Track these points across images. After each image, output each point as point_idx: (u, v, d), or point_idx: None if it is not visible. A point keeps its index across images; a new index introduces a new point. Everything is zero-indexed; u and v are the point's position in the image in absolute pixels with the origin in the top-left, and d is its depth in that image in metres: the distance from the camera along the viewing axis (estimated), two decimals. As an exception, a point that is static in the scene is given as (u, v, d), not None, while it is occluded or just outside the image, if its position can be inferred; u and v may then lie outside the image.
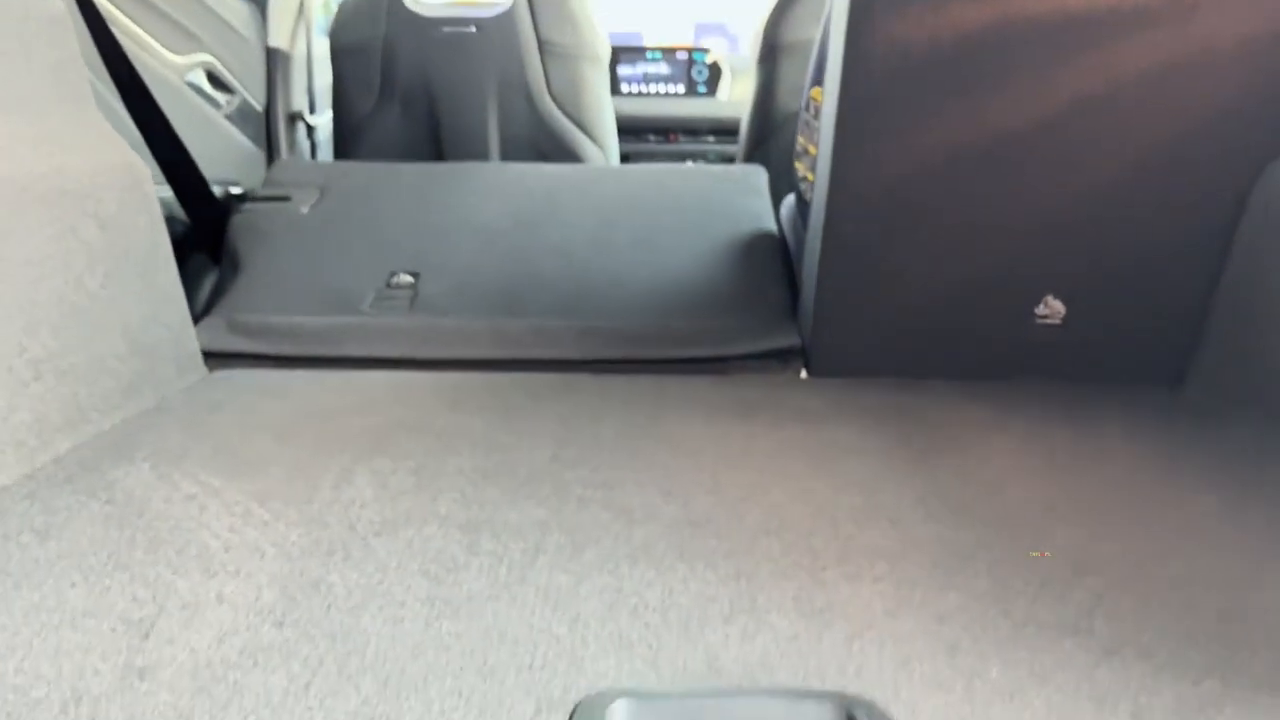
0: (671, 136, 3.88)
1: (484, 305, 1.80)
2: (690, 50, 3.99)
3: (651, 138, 3.87)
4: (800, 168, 1.85)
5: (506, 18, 2.63)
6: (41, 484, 1.10)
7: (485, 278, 1.88)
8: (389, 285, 1.87)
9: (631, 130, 3.82)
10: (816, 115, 1.69)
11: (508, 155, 2.74)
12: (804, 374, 1.64)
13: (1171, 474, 1.20)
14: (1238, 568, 0.96)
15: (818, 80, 1.70)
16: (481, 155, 2.72)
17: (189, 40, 2.32)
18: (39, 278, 1.20)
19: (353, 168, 2.35)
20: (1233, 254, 1.46)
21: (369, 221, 2.08)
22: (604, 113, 2.82)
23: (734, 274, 1.88)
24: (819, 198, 1.56)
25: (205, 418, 1.34)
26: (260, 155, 2.71)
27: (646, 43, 4.87)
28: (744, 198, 2.19)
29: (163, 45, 2.22)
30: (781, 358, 1.67)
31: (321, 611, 0.84)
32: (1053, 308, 1.55)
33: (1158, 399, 1.50)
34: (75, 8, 1.71)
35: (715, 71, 3.95)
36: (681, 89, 3.97)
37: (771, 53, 2.69)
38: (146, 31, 2.15)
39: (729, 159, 3.75)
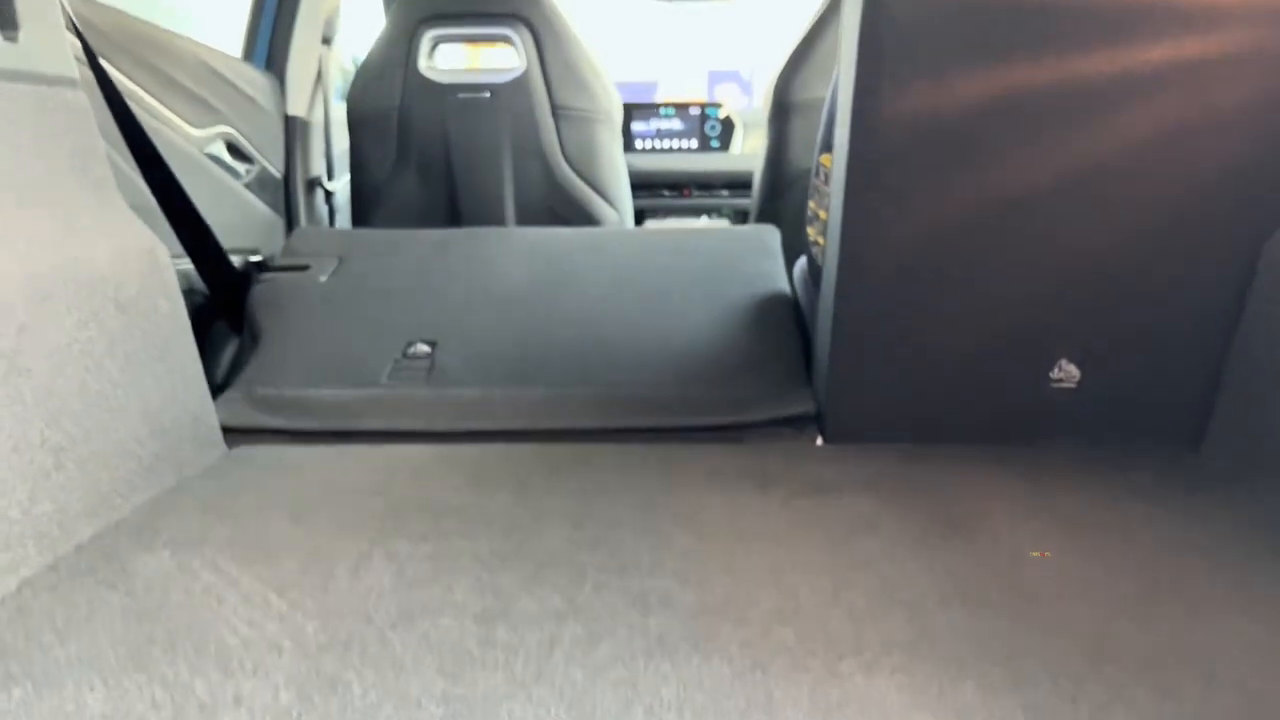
0: (685, 191, 3.90)
1: (500, 373, 1.82)
2: (703, 105, 4.02)
3: (666, 193, 3.90)
4: (811, 232, 1.86)
5: (520, 83, 2.67)
6: (64, 576, 1.11)
7: (501, 345, 1.90)
8: (405, 355, 1.88)
9: (646, 185, 3.85)
10: (826, 181, 1.70)
11: (523, 217, 2.76)
12: (819, 440, 1.64)
13: (1189, 550, 1.19)
14: (1258, 655, 0.95)
15: (827, 146, 1.72)
16: (498, 218, 2.75)
17: (209, 113, 2.37)
18: (61, 366, 1.22)
19: (370, 235, 2.38)
20: (1245, 316, 1.46)
21: (386, 289, 2.10)
22: (618, 173, 2.85)
23: (748, 338, 1.88)
24: (830, 265, 1.57)
25: (224, 500, 1.35)
26: (279, 221, 2.74)
27: (661, 92, 4.93)
28: (757, 259, 2.20)
29: (183, 119, 2.26)
30: (797, 424, 1.67)
31: (339, 713, 0.84)
32: (1067, 371, 1.55)
33: (1175, 465, 1.49)
34: (95, 85, 1.74)
35: (728, 126, 3.98)
36: (695, 144, 3.99)
37: (782, 111, 2.71)
38: (167, 106, 2.19)
39: (743, 213, 3.77)
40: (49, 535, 1.16)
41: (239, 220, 2.53)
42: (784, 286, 2.09)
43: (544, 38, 2.67)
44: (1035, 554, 1.02)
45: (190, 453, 1.50)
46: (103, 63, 1.78)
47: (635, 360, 1.84)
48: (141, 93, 2.09)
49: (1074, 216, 1.44)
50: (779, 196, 2.77)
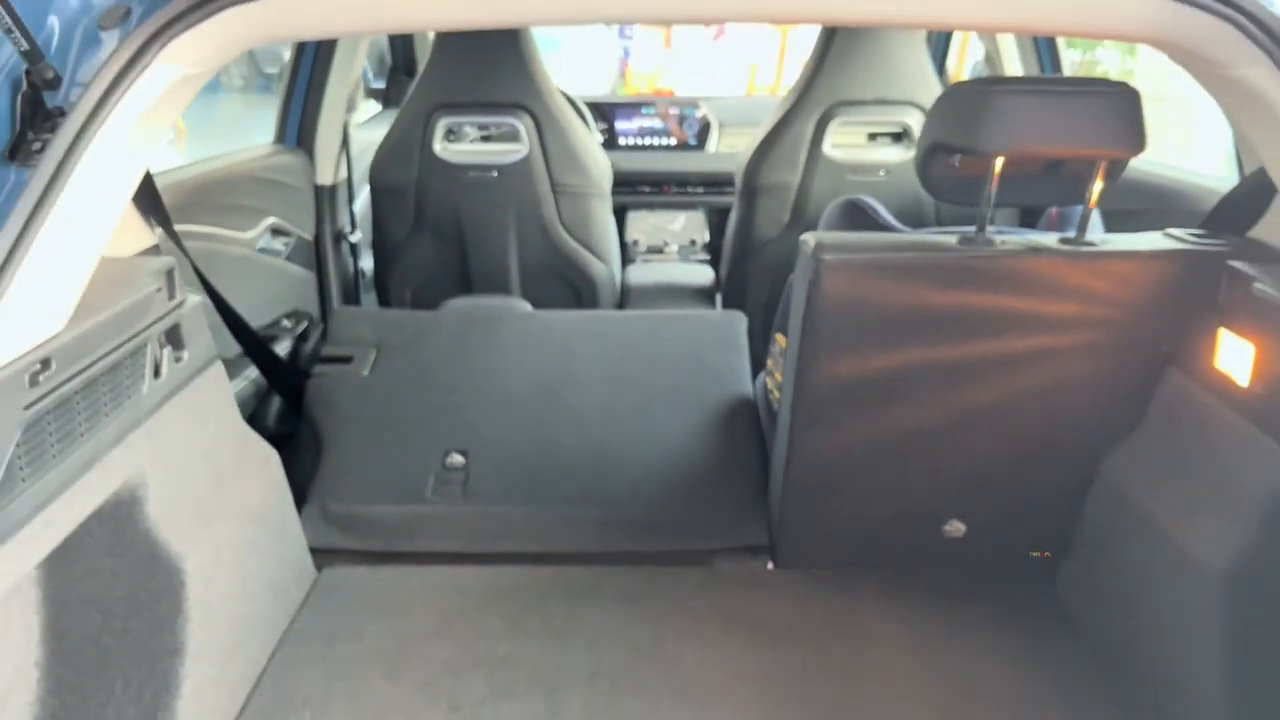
0: (664, 188, 4.27)
1: (520, 489, 2.30)
2: (682, 105, 4.36)
3: (646, 189, 4.26)
4: (769, 383, 2.33)
5: (524, 164, 3.05)
6: None
7: (519, 454, 2.37)
8: (445, 467, 2.36)
9: (628, 183, 4.21)
10: (782, 354, 2.16)
11: (526, 276, 3.18)
12: (770, 565, 2.16)
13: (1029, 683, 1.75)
14: None
15: (782, 328, 2.16)
16: (503, 278, 3.17)
17: (257, 215, 2.75)
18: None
19: (400, 320, 2.81)
20: (1087, 504, 1.97)
21: (421, 388, 2.55)
22: (609, 236, 3.26)
23: (717, 458, 2.36)
24: (780, 444, 2.05)
25: (332, 653, 1.86)
26: (312, 277, 3.15)
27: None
28: (727, 355, 2.66)
29: (238, 230, 2.65)
30: (753, 550, 2.19)
31: None
32: (956, 527, 2.07)
33: (1033, 600, 2.03)
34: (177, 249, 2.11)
35: (705, 126, 4.32)
36: (674, 142, 4.34)
37: (751, 191, 3.11)
38: (226, 228, 2.58)
39: (718, 210, 4.12)
40: (224, 712, 1.66)
41: (282, 289, 2.95)
42: (747, 387, 2.56)
43: (545, 125, 3.03)
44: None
45: (295, 589, 2.00)
46: (176, 228, 2.15)
47: (627, 477, 2.32)
48: (210, 229, 2.48)
49: (961, 439, 1.93)
50: (747, 259, 3.19)
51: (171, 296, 1.64)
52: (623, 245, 3.93)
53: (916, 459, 1.98)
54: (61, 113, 1.29)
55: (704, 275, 3.62)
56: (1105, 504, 1.91)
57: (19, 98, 1.29)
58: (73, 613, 1.48)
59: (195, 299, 1.73)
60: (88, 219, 1.32)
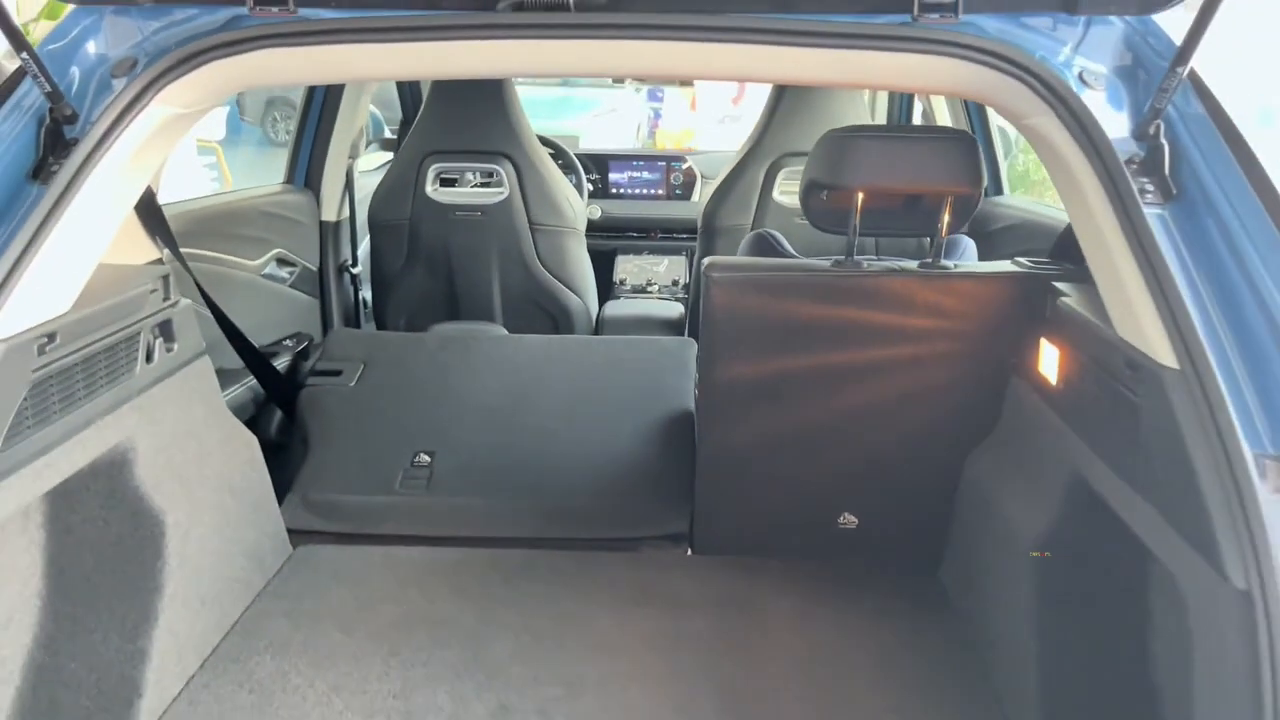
0: (652, 234, 4.61)
1: (479, 483, 2.61)
2: (669, 159, 4.71)
3: (634, 234, 4.61)
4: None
5: (505, 205, 3.41)
6: (211, 677, 1.93)
7: (480, 456, 2.69)
8: (413, 464, 2.68)
9: (619, 228, 4.56)
10: None
11: (508, 305, 3.53)
12: (689, 551, 2.45)
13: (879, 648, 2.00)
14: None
15: None
16: (487, 306, 3.52)
17: (264, 245, 3.12)
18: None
19: (388, 340, 3.16)
20: (957, 500, 2.24)
21: (398, 396, 2.88)
22: (583, 270, 3.60)
23: (652, 460, 2.66)
24: (697, 434, 2.34)
25: (298, 609, 2.17)
26: (316, 304, 3.51)
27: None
28: (676, 376, 2.96)
29: (246, 258, 3.02)
30: (675, 539, 2.47)
31: None
32: (849, 519, 2.34)
33: (918, 586, 2.29)
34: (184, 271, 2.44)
35: (690, 177, 4.67)
36: (662, 192, 4.69)
37: (710, 232, 3.45)
38: (235, 255, 2.95)
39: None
40: (198, 648, 1.97)
41: (286, 313, 3.31)
42: (689, 403, 2.86)
43: (524, 170, 3.40)
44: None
45: (270, 558, 2.31)
46: (183, 250, 2.49)
47: (573, 476, 2.62)
48: (218, 254, 2.85)
49: (846, 438, 2.22)
50: None
51: (166, 297, 1.98)
52: (610, 284, 4.27)
53: (810, 456, 2.26)
54: (76, 142, 1.64)
55: (674, 310, 3.94)
56: (970, 498, 2.18)
57: (43, 130, 1.64)
58: (70, 552, 1.81)
59: (187, 302, 2.07)
60: (90, 225, 1.66)
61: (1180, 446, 1.31)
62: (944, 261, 2.07)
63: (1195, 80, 1.59)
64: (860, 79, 1.92)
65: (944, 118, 3.44)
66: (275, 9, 1.66)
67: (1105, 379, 1.60)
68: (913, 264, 2.09)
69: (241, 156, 10.33)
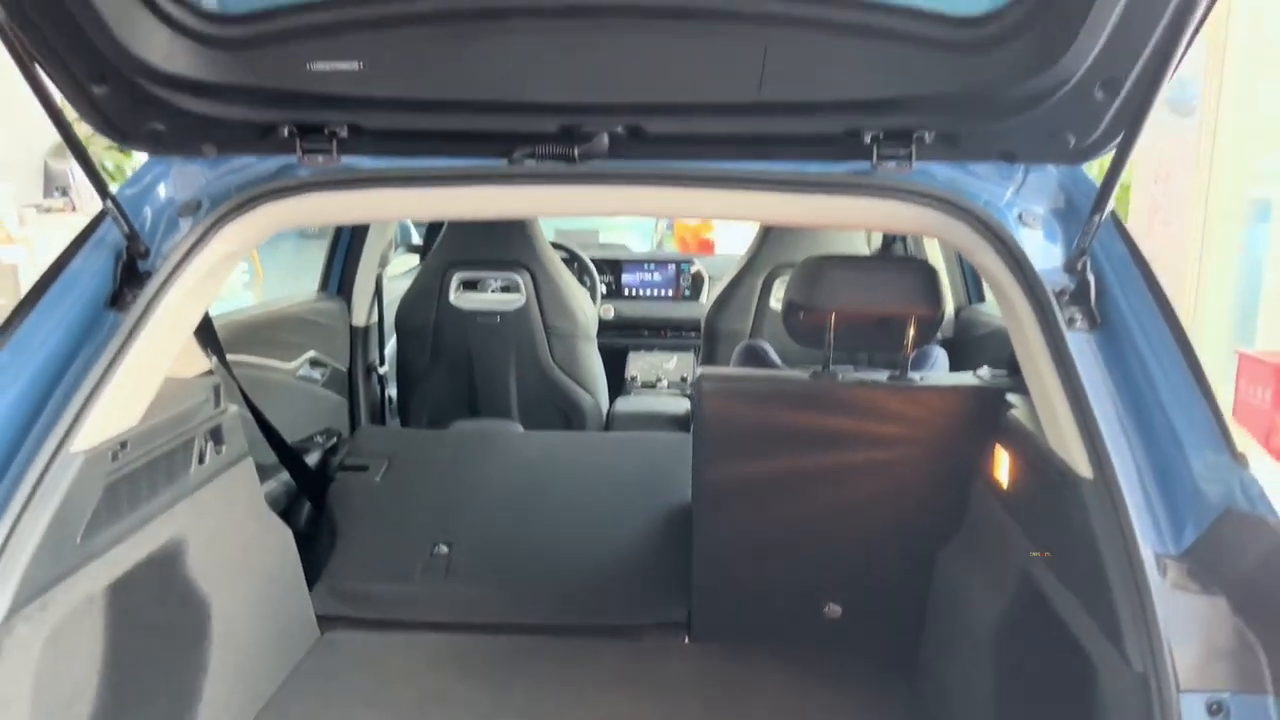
0: (662, 333, 4.87)
1: (492, 573, 2.81)
2: (679, 262, 4.99)
3: (645, 332, 4.87)
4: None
5: (523, 311, 3.68)
6: None
7: (494, 548, 2.90)
8: (432, 555, 2.89)
9: (631, 326, 4.83)
10: None
11: (524, 404, 3.78)
12: (686, 639, 2.63)
13: None
14: None
15: None
16: (505, 405, 3.76)
17: (299, 348, 3.39)
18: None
19: (411, 437, 3.40)
20: (930, 595, 2.43)
21: (421, 492, 3.11)
22: (595, 371, 3.86)
23: (652, 551, 2.86)
24: (694, 528, 2.55)
25: (326, 689, 2.36)
26: (344, 403, 3.77)
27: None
28: (675, 470, 3.17)
29: (282, 361, 3.28)
30: (674, 626, 2.66)
31: None
32: (834, 610, 2.53)
33: (901, 674, 2.46)
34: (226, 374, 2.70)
35: (698, 280, 4.95)
36: (671, 293, 4.97)
37: (711, 336, 3.71)
38: (273, 358, 3.22)
39: None
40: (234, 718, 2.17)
41: (317, 411, 3.55)
42: (688, 497, 3.06)
43: (540, 279, 3.67)
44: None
45: (299, 643, 2.51)
46: (230, 356, 2.74)
47: (580, 565, 2.83)
48: (259, 359, 3.11)
49: (828, 533, 2.42)
50: None
51: (216, 405, 2.23)
52: (621, 381, 4.52)
53: (795, 550, 2.46)
54: (149, 275, 1.90)
55: (680, 405, 4.17)
56: (941, 592, 2.37)
57: (119, 265, 1.90)
58: (126, 635, 2.03)
59: (234, 409, 2.32)
60: (159, 347, 1.91)
61: (1095, 547, 1.52)
62: (911, 374, 2.30)
63: (1116, 221, 1.83)
64: (828, 219, 2.18)
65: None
66: (321, 158, 1.94)
67: (1043, 484, 1.81)
68: (883, 375, 2.32)
69: (273, 249, 10.76)
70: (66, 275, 1.90)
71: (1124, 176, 1.76)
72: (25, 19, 1.65)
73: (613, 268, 4.92)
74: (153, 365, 1.92)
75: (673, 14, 1.73)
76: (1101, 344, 1.71)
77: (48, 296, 1.87)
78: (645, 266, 5.01)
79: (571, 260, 4.51)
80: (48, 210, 9.39)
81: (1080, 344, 1.69)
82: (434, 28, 1.78)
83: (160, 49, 1.75)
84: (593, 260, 4.72)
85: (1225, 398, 4.70)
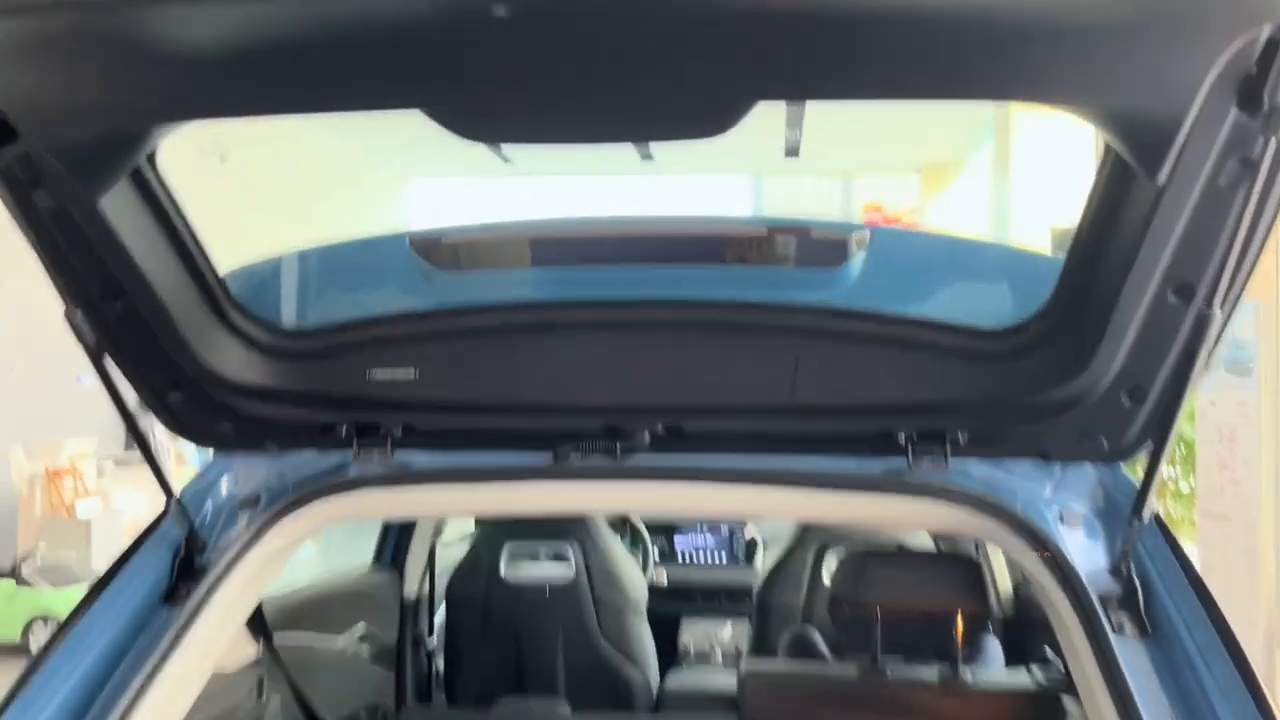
0: (716, 599, 4.80)
1: None
2: (731, 528, 4.99)
3: (699, 598, 4.80)
4: None
5: (572, 585, 3.67)
6: None
7: None
8: None
9: (685, 594, 4.76)
10: None
11: (571, 680, 3.70)
12: None
13: None
14: None
15: None
16: (551, 681, 3.69)
17: (352, 620, 3.41)
18: None
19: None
20: None
21: None
22: (645, 644, 3.79)
23: None
24: None
25: None
26: (390, 676, 3.73)
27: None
28: None
29: (331, 633, 3.29)
30: None
31: None
32: None
33: None
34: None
35: (752, 545, 4.92)
36: (724, 558, 4.93)
37: (764, 608, 3.66)
38: (324, 632, 3.23)
39: None
40: None
41: (362, 685, 3.52)
42: None
43: (589, 551, 3.69)
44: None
45: None
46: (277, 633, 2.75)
47: None
48: (307, 637, 3.12)
49: None
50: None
51: (260, 697, 2.23)
52: (674, 648, 4.41)
53: None
54: (204, 570, 1.96)
55: (733, 684, 4.05)
56: None
57: (176, 559, 1.97)
58: None
59: (277, 700, 2.32)
60: (210, 642, 1.95)
61: None
62: (964, 671, 2.24)
63: (1158, 522, 1.82)
64: (864, 519, 2.20)
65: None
66: (376, 455, 2.03)
67: None
68: (933, 671, 2.26)
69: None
70: (128, 570, 1.96)
71: (1186, 432, 1.78)
72: (109, 339, 1.79)
73: (665, 533, 4.92)
74: (202, 661, 1.94)
75: (706, 326, 1.84)
76: (1153, 653, 1.67)
77: (109, 591, 1.93)
78: (698, 529, 5.01)
79: (623, 524, 4.53)
80: (125, 464, 9.70)
81: (1130, 653, 1.65)
82: (486, 339, 1.91)
83: (234, 362, 1.89)
84: (645, 523, 4.73)
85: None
